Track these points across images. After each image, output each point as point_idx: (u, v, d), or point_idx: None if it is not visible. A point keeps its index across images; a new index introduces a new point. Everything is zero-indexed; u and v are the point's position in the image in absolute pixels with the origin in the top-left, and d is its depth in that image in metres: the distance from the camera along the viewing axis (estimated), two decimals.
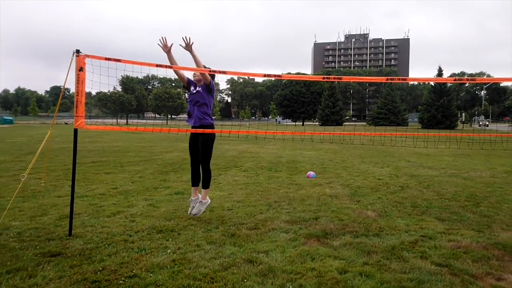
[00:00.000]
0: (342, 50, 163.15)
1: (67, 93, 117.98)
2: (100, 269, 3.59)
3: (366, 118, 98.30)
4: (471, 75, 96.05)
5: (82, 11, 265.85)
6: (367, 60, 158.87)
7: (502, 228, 5.07)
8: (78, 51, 4.41)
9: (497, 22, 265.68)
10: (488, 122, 72.39)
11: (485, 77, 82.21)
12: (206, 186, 5.39)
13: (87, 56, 4.42)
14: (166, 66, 4.20)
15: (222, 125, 50.10)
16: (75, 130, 4.61)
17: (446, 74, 72.42)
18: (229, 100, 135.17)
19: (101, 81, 4.74)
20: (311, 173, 9.48)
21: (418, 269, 3.68)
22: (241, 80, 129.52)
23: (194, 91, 5.14)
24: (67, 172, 9.15)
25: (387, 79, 4.39)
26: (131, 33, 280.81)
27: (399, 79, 4.40)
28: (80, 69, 4.40)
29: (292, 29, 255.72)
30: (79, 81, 4.40)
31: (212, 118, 5.27)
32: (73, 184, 4.70)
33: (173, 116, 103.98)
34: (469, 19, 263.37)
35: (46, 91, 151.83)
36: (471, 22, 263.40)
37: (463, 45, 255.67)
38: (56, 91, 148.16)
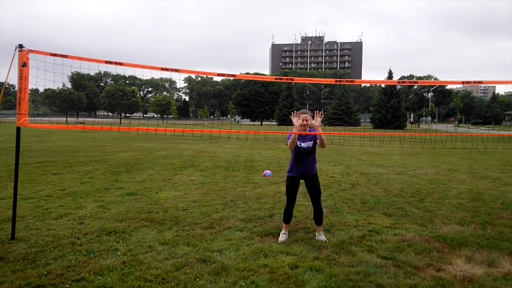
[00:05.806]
0: (299, 52, 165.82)
1: (12, 90, 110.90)
2: (45, 273, 3.44)
3: None
4: (419, 78, 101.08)
5: (18, 8, 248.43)
6: (322, 62, 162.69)
7: (443, 222, 5.42)
8: (21, 46, 4.19)
9: (419, 31, 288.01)
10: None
11: (432, 80, 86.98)
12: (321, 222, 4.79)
13: (31, 51, 4.20)
14: (116, 63, 4.08)
15: (177, 124, 49.25)
16: (18, 129, 4.37)
17: (396, 77, 75.70)
18: (187, 99, 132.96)
19: (47, 77, 4.54)
20: (268, 171, 9.60)
21: (365, 262, 3.85)
22: (199, 78, 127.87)
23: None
24: (11, 173, 8.64)
25: (336, 81, 4.55)
26: (72, 32, 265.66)
27: (347, 81, 4.58)
28: (23, 65, 4.17)
29: (249, 31, 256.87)
30: (22, 77, 4.17)
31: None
32: (15, 185, 4.45)
33: (127, 115, 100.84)
34: (394, 28, 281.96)
35: None
36: (395, 31, 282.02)
37: (391, 52, 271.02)
38: None
